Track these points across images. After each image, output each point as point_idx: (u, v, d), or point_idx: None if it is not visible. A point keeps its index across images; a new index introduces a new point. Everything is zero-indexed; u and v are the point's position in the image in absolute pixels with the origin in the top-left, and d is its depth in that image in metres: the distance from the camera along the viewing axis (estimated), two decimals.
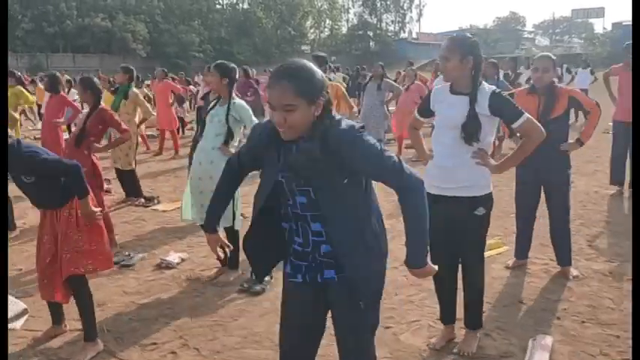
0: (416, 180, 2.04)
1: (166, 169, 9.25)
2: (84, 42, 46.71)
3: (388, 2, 67.31)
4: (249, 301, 4.06)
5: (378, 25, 66.60)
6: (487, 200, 3.06)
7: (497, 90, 2.98)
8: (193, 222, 4.74)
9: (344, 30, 67.48)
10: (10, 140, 3.09)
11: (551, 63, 4.05)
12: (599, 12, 60.92)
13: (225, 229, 4.39)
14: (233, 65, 4.46)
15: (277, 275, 4.38)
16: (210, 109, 4.46)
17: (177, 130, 11.32)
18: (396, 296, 4.04)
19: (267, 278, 4.29)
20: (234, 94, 4.39)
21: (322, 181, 2.01)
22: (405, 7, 67.85)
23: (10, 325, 3.68)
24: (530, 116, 2.95)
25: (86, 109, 5.41)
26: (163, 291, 4.29)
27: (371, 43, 63.72)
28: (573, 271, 4.33)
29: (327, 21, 66.10)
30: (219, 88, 4.43)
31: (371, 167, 2.01)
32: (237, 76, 4.48)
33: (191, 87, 19.51)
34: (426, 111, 3.26)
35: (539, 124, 2.98)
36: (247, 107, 4.38)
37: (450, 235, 3.08)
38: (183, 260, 4.89)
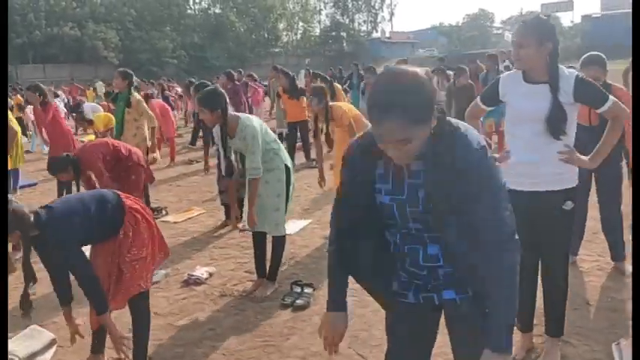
0: (516, 239, 1.70)
1: (165, 179, 8.86)
2: (54, 52, 45.64)
3: (360, 2, 67.37)
4: (296, 317, 3.77)
5: (351, 26, 66.59)
6: (575, 193, 2.83)
7: (580, 74, 2.75)
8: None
9: (317, 32, 67.32)
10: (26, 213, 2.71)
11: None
12: (569, 5, 61.75)
13: (272, 238, 4.13)
14: (220, 91, 4.02)
15: (321, 285, 4.21)
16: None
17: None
18: None
19: (308, 290, 4.02)
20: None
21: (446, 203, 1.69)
22: (377, 7, 68.01)
23: (39, 359, 3.34)
24: (614, 98, 2.73)
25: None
26: (199, 310, 3.97)
27: (344, 44, 63.60)
28: (628, 267, 4.14)
29: (300, 23, 65.86)
30: (214, 122, 3.97)
31: (482, 202, 1.66)
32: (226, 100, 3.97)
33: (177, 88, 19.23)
34: (493, 100, 2.99)
35: (623, 106, 2.75)
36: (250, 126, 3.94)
37: (534, 233, 2.83)
38: (211, 275, 4.57)
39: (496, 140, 8.84)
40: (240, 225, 5.95)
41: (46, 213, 2.76)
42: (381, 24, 69.36)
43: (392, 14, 74.79)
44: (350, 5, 67.10)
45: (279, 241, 4.17)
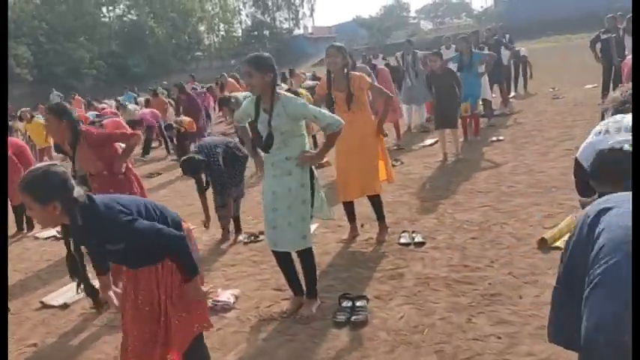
0: None
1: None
2: None
3: (279, 0, 66.81)
4: (359, 335, 3.36)
5: (273, 24, 65.93)
6: None
7: None
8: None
9: (239, 32, 66.23)
10: (79, 195, 2.23)
11: None
12: None
13: (298, 253, 3.68)
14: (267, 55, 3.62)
15: (377, 294, 3.84)
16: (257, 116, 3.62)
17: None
18: None
19: (361, 303, 3.63)
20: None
21: None
22: (297, 3, 67.65)
23: None
24: None
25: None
26: (243, 340, 3.49)
27: (267, 43, 62.84)
28: None
29: (221, 25, 64.56)
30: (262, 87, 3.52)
31: None
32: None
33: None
34: None
35: None
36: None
37: None
38: (237, 298, 4.08)
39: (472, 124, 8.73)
40: (241, 237, 5.50)
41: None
42: (303, 20, 69.08)
43: (312, 10, 74.58)
44: (270, 3, 66.36)
45: (308, 254, 3.71)
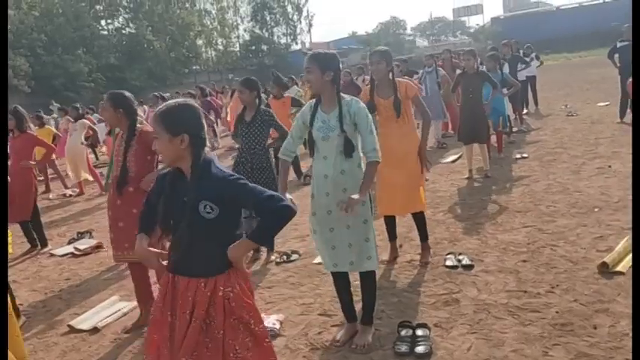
0: None
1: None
2: None
3: (278, 16, 66.98)
4: None
5: (271, 39, 66.02)
6: None
7: None
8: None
9: (237, 47, 66.27)
10: (205, 154, 2.24)
11: None
12: (479, 9, 64.35)
13: (361, 274, 3.43)
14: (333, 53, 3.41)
15: (435, 322, 3.57)
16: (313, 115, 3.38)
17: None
18: None
19: (422, 332, 3.38)
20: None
21: None
22: (295, 19, 67.85)
23: None
24: None
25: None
26: None
27: (265, 58, 62.83)
28: None
29: (219, 39, 64.57)
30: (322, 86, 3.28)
31: None
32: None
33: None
34: None
35: None
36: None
37: None
38: (282, 323, 3.82)
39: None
40: (273, 257, 5.25)
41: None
42: (300, 36, 69.24)
43: (310, 25, 74.67)
44: (268, 19, 66.55)
45: (371, 276, 3.48)
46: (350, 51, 65.61)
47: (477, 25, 71.37)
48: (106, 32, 55.01)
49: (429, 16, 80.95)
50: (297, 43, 68.05)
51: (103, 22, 54.79)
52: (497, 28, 57.10)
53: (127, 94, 4.09)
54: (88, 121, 10.33)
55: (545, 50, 41.45)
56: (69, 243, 6.62)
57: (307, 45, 68.55)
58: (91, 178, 9.89)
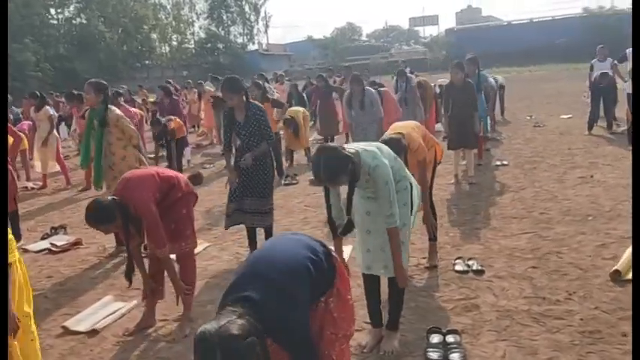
0: None
1: None
2: None
3: (235, 15, 66.28)
4: None
5: (227, 38, 65.21)
6: None
7: None
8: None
9: (192, 44, 65.13)
10: None
11: None
12: (434, 19, 65.58)
13: (391, 279, 3.31)
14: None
15: (461, 328, 3.43)
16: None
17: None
18: None
19: (453, 338, 3.29)
20: None
21: None
22: (252, 19, 67.33)
23: None
24: None
25: None
26: None
27: (221, 57, 61.96)
28: None
29: (174, 35, 63.31)
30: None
31: None
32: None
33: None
34: None
35: None
36: None
37: None
38: None
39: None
40: None
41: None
42: (258, 36, 68.72)
43: (267, 26, 74.23)
44: (225, 17, 65.77)
45: (395, 285, 3.36)
46: (308, 56, 65.67)
47: (431, 35, 72.85)
48: (55, 22, 53.03)
49: (384, 24, 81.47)
50: (253, 44, 67.59)
51: (52, 11, 52.77)
52: (452, 39, 58.36)
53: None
54: (50, 109, 9.64)
55: (496, 63, 42.74)
56: (42, 238, 6.23)
57: (264, 46, 68.20)
58: (57, 169, 9.38)
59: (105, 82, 5.57)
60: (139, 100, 16.30)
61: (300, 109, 9.78)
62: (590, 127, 10.77)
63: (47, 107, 9.53)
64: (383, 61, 53.53)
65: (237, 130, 4.99)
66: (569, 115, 13.58)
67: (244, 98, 4.92)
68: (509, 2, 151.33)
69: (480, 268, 4.40)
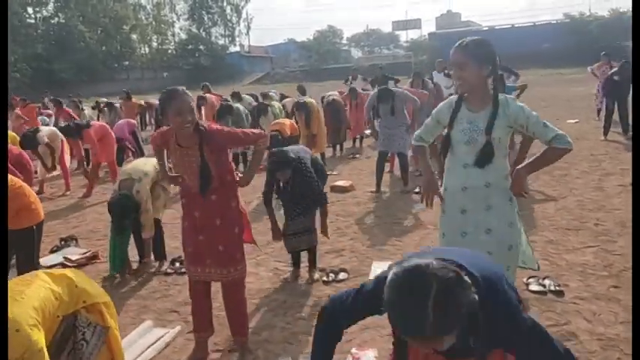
0: None
1: None
2: None
3: (216, 16, 65.57)
4: None
5: (208, 39, 64.44)
6: None
7: None
8: None
9: (173, 45, 64.20)
10: None
11: None
12: (417, 23, 65.55)
13: None
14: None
15: None
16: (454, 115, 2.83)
17: None
18: None
19: None
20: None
21: None
22: (234, 21, 66.66)
23: None
24: None
25: None
26: None
27: (201, 58, 61.17)
28: None
29: (154, 36, 62.31)
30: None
31: None
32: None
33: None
34: None
35: None
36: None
37: None
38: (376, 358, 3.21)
39: None
40: (317, 276, 4.62)
41: None
42: (239, 38, 68.07)
43: (249, 28, 73.61)
44: (205, 19, 65.01)
45: None
46: (289, 58, 65.23)
47: (411, 39, 72.95)
48: (33, 21, 51.78)
49: (365, 27, 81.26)
50: (235, 45, 66.94)
51: (30, 10, 51.53)
52: (435, 42, 58.34)
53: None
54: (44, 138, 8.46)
55: None
56: (52, 251, 5.68)
57: (246, 48, 67.58)
58: (58, 172, 8.64)
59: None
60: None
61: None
62: (605, 133, 10.54)
63: (39, 144, 7.99)
64: (365, 66, 53.42)
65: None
66: (576, 120, 13.39)
67: None
68: (488, 8, 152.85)
69: (558, 288, 4.00)
